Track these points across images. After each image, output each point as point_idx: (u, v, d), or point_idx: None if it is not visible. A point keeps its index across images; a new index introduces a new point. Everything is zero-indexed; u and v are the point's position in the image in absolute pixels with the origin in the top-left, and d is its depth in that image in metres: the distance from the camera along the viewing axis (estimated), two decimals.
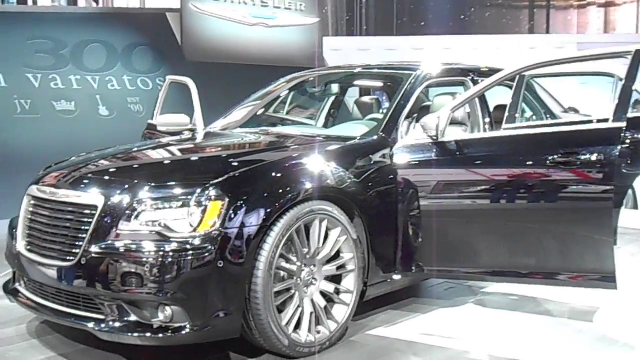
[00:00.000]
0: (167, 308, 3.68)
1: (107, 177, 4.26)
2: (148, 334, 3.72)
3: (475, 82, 5.41)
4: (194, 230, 3.72)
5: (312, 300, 4.14)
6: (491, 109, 5.51)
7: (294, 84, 6.38)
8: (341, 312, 4.28)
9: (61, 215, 4.08)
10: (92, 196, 3.97)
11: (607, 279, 4.21)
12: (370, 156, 4.63)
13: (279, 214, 3.91)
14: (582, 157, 4.19)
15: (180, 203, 3.79)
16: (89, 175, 4.30)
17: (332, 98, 6.70)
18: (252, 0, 11.55)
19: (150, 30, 10.71)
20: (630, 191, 6.73)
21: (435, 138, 4.58)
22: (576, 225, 4.36)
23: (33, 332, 4.51)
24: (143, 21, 10.87)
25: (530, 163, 4.42)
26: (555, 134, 4.55)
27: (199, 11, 10.97)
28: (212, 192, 3.80)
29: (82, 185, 4.14)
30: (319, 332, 4.14)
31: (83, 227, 3.89)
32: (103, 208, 3.86)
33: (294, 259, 4.05)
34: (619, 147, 4.10)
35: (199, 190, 3.80)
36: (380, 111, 6.07)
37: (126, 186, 3.95)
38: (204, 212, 3.75)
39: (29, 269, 4.19)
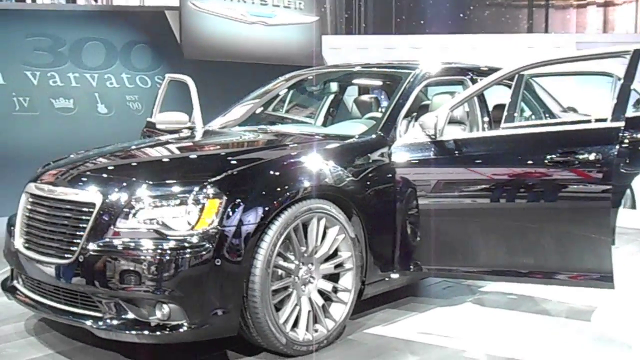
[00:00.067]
0: (165, 306, 3.68)
1: (105, 175, 4.26)
2: (145, 332, 3.72)
3: (474, 81, 5.42)
4: (192, 228, 3.72)
5: (310, 299, 4.14)
6: (490, 108, 5.51)
7: (292, 83, 6.37)
8: (339, 311, 4.28)
9: (59, 212, 4.08)
10: (90, 194, 3.97)
11: (605, 279, 4.21)
12: (369, 155, 4.63)
13: (277, 212, 3.91)
14: (581, 157, 4.19)
15: (178, 201, 3.79)
16: (87, 172, 4.30)
17: (331, 96, 6.72)
18: None
19: (149, 28, 10.70)
20: (628, 191, 6.75)
21: (433, 137, 4.58)
22: (574, 225, 4.36)
23: (31, 330, 4.51)
24: (142, 19, 10.86)
25: (528, 162, 4.42)
26: (554, 133, 4.55)
27: (197, 9, 10.96)
28: (210, 190, 3.80)
29: (80, 183, 4.14)
30: (316, 331, 4.14)
31: (81, 225, 3.89)
32: (101, 206, 3.86)
33: (292, 257, 4.05)
34: (617, 147, 4.10)
35: (196, 188, 3.80)
36: (379, 110, 6.07)
37: (124, 184, 3.95)
38: (201, 210, 3.75)
39: (27, 267, 4.19)
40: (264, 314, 3.83)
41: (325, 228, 4.20)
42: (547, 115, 6.19)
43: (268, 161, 4.30)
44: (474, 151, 4.62)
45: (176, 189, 3.87)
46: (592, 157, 4.15)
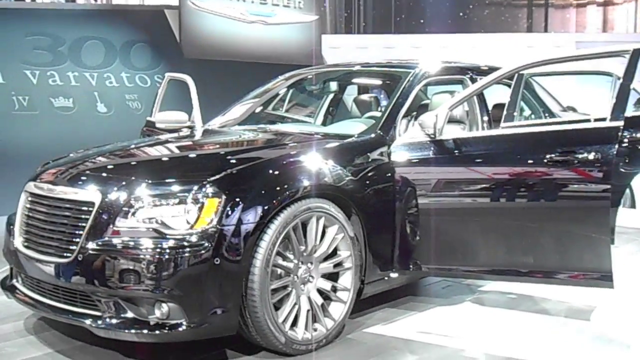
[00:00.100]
0: (164, 305, 3.68)
1: (104, 174, 4.26)
2: (145, 331, 3.72)
3: (473, 80, 5.42)
4: (191, 227, 3.72)
5: (309, 298, 4.14)
6: (490, 108, 5.51)
7: (292, 82, 6.37)
8: (338, 310, 4.28)
9: (58, 211, 4.08)
10: (90, 193, 3.97)
11: (605, 278, 4.21)
12: (368, 154, 4.63)
13: (276, 212, 3.91)
14: (580, 156, 4.19)
15: (177, 200, 3.79)
16: (87, 172, 4.30)
17: (331, 96, 6.72)
18: None
19: (148, 27, 10.69)
20: (627, 190, 6.74)
21: (432, 136, 4.58)
22: (573, 224, 4.36)
23: (30, 329, 4.51)
24: (141, 18, 10.86)
25: (527, 162, 4.42)
26: (553, 133, 4.56)
27: (197, 8, 10.96)
28: (209, 189, 3.80)
29: (80, 182, 4.14)
30: (315, 330, 4.14)
31: (80, 224, 3.89)
32: (100, 205, 3.86)
33: (291, 256, 4.05)
34: (616, 146, 4.10)
35: (195, 187, 3.80)
36: (379, 109, 6.07)
37: (123, 183, 3.95)
38: (200, 209, 3.75)
39: (26, 266, 4.19)
40: (263, 313, 3.83)
41: (325, 227, 4.20)
42: (546, 114, 6.20)
43: (267, 160, 4.30)
44: (473, 150, 4.62)
45: (175, 188, 3.87)
46: (591, 156, 4.16)
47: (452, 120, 4.85)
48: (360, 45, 13.38)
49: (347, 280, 4.32)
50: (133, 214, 3.80)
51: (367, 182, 4.50)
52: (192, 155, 4.91)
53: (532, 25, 19.74)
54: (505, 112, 4.87)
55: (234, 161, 4.30)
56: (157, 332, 3.71)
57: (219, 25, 11.27)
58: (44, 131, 9.50)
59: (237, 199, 3.80)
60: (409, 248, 4.65)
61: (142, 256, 3.66)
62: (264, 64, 10.94)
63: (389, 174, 4.63)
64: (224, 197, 3.78)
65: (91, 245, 3.79)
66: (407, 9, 18.80)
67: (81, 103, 9.97)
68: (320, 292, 4.21)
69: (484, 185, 4.55)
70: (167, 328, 3.70)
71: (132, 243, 3.72)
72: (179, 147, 5.08)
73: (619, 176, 4.20)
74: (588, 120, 4.76)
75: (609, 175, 4.13)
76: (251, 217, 3.79)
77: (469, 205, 4.61)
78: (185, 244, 3.67)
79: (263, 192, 3.93)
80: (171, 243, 3.68)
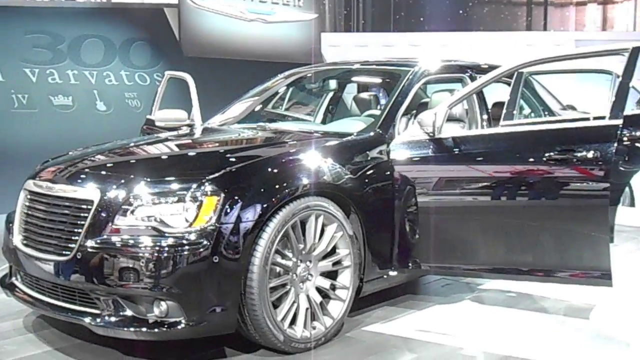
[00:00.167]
0: (163, 303, 3.69)
1: (103, 172, 4.26)
2: (143, 329, 3.72)
3: (473, 79, 5.42)
4: (190, 226, 3.72)
5: (308, 296, 4.14)
6: (489, 106, 5.51)
7: (292, 80, 6.37)
8: (337, 308, 4.28)
9: (57, 209, 4.08)
10: (89, 191, 3.97)
11: (603, 276, 4.21)
12: (367, 152, 4.63)
13: (275, 210, 3.91)
14: (579, 154, 4.19)
15: (176, 198, 3.79)
16: (86, 170, 4.30)
17: (330, 94, 6.72)
18: None
19: (148, 26, 10.70)
20: (627, 188, 6.74)
21: (431, 134, 4.58)
22: (572, 223, 4.36)
23: (29, 326, 4.51)
24: (141, 16, 10.86)
25: (526, 160, 4.42)
26: (552, 131, 4.56)
27: (196, 6, 10.97)
28: (208, 188, 3.80)
29: (79, 180, 4.14)
30: (314, 328, 4.14)
31: (79, 222, 3.90)
32: (99, 203, 3.86)
33: (290, 254, 4.05)
34: (616, 145, 4.10)
35: (194, 186, 3.80)
36: (378, 107, 6.07)
37: (122, 181, 3.95)
38: (199, 207, 3.75)
39: (25, 264, 4.19)
40: (262, 311, 3.83)
41: (323, 225, 4.20)
42: (546, 113, 6.20)
43: (266, 158, 4.30)
44: (472, 149, 4.62)
45: (174, 186, 3.87)
46: (590, 154, 4.15)
47: (451, 119, 4.85)
48: (359, 44, 13.38)
49: (346, 278, 4.32)
50: (132, 212, 3.80)
51: (366, 180, 4.50)
52: (191, 153, 4.92)
53: (531, 24, 19.74)
54: (504, 111, 4.86)
55: (233, 159, 4.30)
56: (156, 330, 3.71)
57: (218, 24, 11.28)
58: (43, 129, 9.50)
59: (236, 197, 3.80)
60: (408, 246, 4.65)
61: (140, 254, 3.67)
62: (264, 62, 10.95)
63: (388, 172, 4.63)
64: (222, 195, 3.78)
65: (90, 243, 3.79)
66: (406, 6, 18.79)
67: (80, 101, 9.97)
68: (319, 290, 4.21)
69: (483, 184, 4.56)
70: (165, 326, 3.70)
71: (131, 241, 3.72)
72: (178, 145, 5.09)
73: (618, 174, 4.20)
74: (587, 119, 4.76)
75: (608, 174, 4.13)
76: (250, 215, 3.79)
77: (468, 204, 4.62)
78: (184, 242, 3.67)
79: (262, 190, 3.93)
80: (170, 241, 3.68)
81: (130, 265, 3.68)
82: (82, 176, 4.19)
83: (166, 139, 5.21)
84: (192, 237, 3.68)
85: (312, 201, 4.11)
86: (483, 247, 4.63)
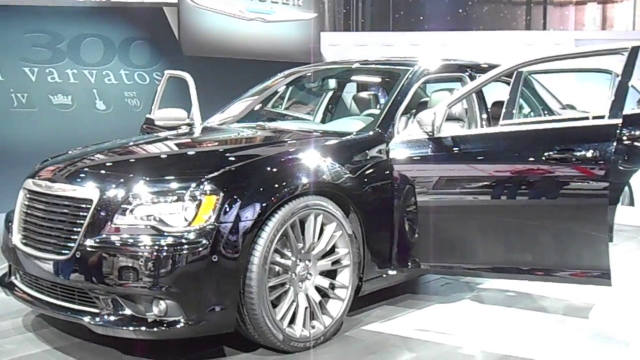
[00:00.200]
0: (162, 302, 3.69)
1: (102, 171, 4.26)
2: (142, 328, 3.72)
3: (472, 78, 5.42)
4: (189, 225, 3.72)
5: (307, 295, 4.14)
6: (489, 105, 5.51)
7: (291, 79, 6.37)
8: (336, 307, 4.28)
9: (57, 208, 4.08)
10: (88, 190, 3.97)
11: (603, 276, 4.21)
12: (367, 151, 4.63)
13: (274, 209, 3.91)
14: (578, 154, 4.19)
15: (175, 197, 3.79)
16: (85, 169, 4.30)
17: (330, 93, 6.71)
18: None
19: (147, 25, 10.69)
20: (626, 188, 6.75)
21: (431, 134, 4.58)
22: (572, 222, 4.36)
23: (29, 325, 4.51)
24: (140, 15, 10.84)
25: (525, 159, 4.42)
26: (551, 130, 4.56)
27: (196, 5, 10.96)
28: (207, 187, 3.80)
29: (78, 179, 4.14)
30: (313, 327, 4.14)
31: (78, 221, 3.90)
32: (98, 202, 3.86)
33: (289, 253, 4.05)
34: (615, 144, 4.10)
35: (193, 185, 3.80)
36: (378, 107, 6.07)
37: (121, 180, 3.95)
38: (198, 206, 3.75)
39: (24, 263, 4.19)
40: (261, 311, 3.83)
41: (323, 225, 4.20)
42: (546, 112, 6.19)
43: (265, 158, 4.30)
44: (471, 148, 4.62)
45: (173, 185, 3.87)
46: (589, 154, 4.15)
47: (450, 118, 4.84)
48: (359, 43, 13.36)
49: (345, 277, 4.32)
50: (131, 211, 3.80)
51: (366, 179, 4.50)
52: (191, 152, 4.92)
53: (530, 23, 19.73)
54: (504, 110, 4.86)
55: (232, 158, 4.30)
56: (155, 329, 3.71)
57: (217, 23, 11.28)
58: (43, 128, 9.49)
59: (235, 197, 3.80)
60: (407, 245, 4.65)
61: (139, 253, 3.67)
62: (263, 61, 10.94)
63: (388, 172, 4.63)
64: (221, 194, 3.78)
65: (89, 242, 3.79)
66: (405, 5, 18.78)
67: (80, 100, 9.96)
68: (318, 289, 4.21)
69: (482, 183, 4.56)
70: (164, 325, 3.71)
71: (130, 240, 3.73)
72: (177, 145, 5.09)
73: (618, 174, 4.20)
74: (586, 118, 4.76)
75: (607, 173, 4.13)
76: (249, 215, 3.79)
77: (468, 203, 4.62)
78: (183, 241, 3.67)
79: (261, 189, 3.93)
80: (169, 240, 3.68)
81: (130, 265, 3.68)
82: (82, 175, 4.19)
83: (165, 138, 5.21)
84: (191, 236, 3.68)
85: (312, 200, 4.11)
86: (482, 247, 4.63)
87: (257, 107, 6.15)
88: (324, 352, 4.10)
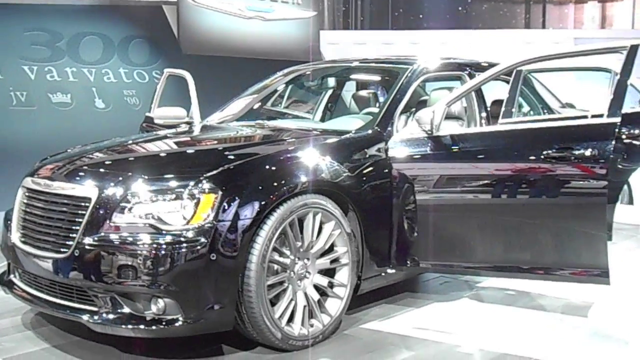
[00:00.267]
0: (160, 300, 3.69)
1: (101, 170, 4.26)
2: (141, 326, 3.72)
3: (472, 77, 5.41)
4: (187, 223, 3.72)
5: (306, 294, 4.14)
6: (489, 104, 5.51)
7: (290, 78, 6.37)
8: (335, 306, 4.28)
9: (55, 207, 4.08)
10: (86, 188, 3.97)
11: (601, 274, 4.22)
12: (365, 150, 4.63)
13: (273, 207, 3.90)
14: (577, 152, 4.19)
15: (173, 196, 3.79)
16: (84, 167, 4.30)
17: (329, 92, 6.70)
18: None
19: (146, 23, 10.70)
20: (625, 186, 6.75)
21: (430, 132, 4.58)
22: (570, 220, 4.36)
23: (27, 324, 4.51)
24: (140, 14, 10.85)
25: (524, 158, 4.42)
26: (550, 129, 4.56)
27: (195, 4, 10.96)
28: (205, 185, 3.80)
29: (77, 178, 4.14)
30: (312, 325, 4.14)
31: (77, 219, 3.90)
32: (97, 200, 3.86)
33: (288, 252, 4.05)
34: (614, 142, 4.10)
35: (192, 183, 3.80)
36: (377, 105, 6.06)
37: (120, 178, 3.95)
38: (197, 204, 3.75)
39: (23, 261, 4.19)
40: (260, 309, 3.83)
41: (321, 223, 4.20)
42: (545, 110, 6.19)
43: (264, 156, 4.29)
44: (470, 147, 4.61)
45: (172, 183, 3.87)
46: (588, 152, 4.16)
47: (450, 117, 4.85)
48: (358, 41, 13.36)
49: (343, 276, 4.32)
50: (130, 209, 3.80)
51: (364, 178, 4.50)
52: (190, 151, 4.92)
53: (530, 21, 19.73)
54: (503, 109, 4.86)
55: (231, 157, 4.30)
56: (154, 327, 3.72)
57: (217, 21, 11.28)
58: (42, 127, 9.48)
59: (234, 195, 3.80)
60: (406, 244, 4.65)
61: (138, 252, 3.67)
62: (262, 59, 10.95)
63: (387, 170, 4.62)
64: (220, 192, 3.78)
65: (88, 240, 3.79)
66: (405, 3, 18.76)
67: (79, 99, 9.95)
68: (316, 288, 4.21)
69: (481, 182, 4.55)
70: (163, 323, 3.71)
71: (128, 238, 3.73)
72: (176, 143, 5.09)
73: (617, 173, 4.21)
74: (585, 117, 4.77)
75: (606, 172, 4.13)
76: (248, 213, 3.79)
77: (467, 201, 4.61)
78: (182, 239, 3.67)
79: (260, 187, 3.93)
80: (167, 239, 3.68)
81: (128, 263, 3.68)
82: (80, 174, 4.19)
83: (165, 137, 5.21)
84: (190, 234, 3.68)
85: (310, 199, 4.11)
86: (482, 245, 4.63)
87: (256, 106, 6.15)
88: (322, 351, 4.10)
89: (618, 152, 4.14)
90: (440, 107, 4.56)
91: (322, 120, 6.46)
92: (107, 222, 3.80)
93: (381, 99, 6.24)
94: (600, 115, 4.27)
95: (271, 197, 3.90)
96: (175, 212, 3.75)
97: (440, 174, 4.65)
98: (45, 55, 9.78)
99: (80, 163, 4.38)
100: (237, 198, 3.79)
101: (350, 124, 5.20)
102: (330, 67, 6.76)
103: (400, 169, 4.63)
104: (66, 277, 3.88)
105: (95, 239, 3.78)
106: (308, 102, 7.08)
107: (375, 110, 5.64)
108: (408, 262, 4.66)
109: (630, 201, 7.25)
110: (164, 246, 3.65)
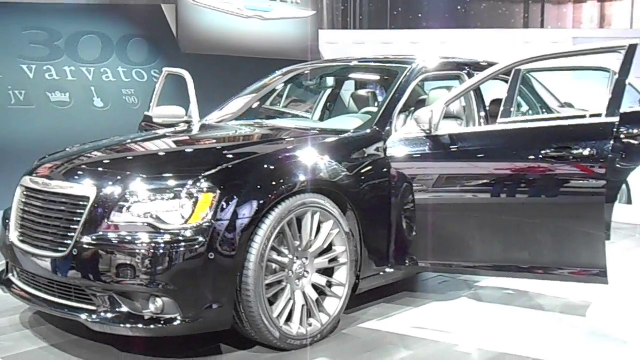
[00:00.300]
0: (158, 299, 3.69)
1: (100, 169, 4.26)
2: (139, 325, 3.72)
3: (470, 76, 5.40)
4: (186, 222, 3.72)
5: (304, 293, 4.14)
6: (487, 103, 5.51)
7: (289, 77, 6.36)
8: (333, 305, 4.27)
9: (54, 206, 4.08)
10: (85, 187, 3.97)
11: (599, 274, 4.22)
12: (364, 149, 4.62)
13: (271, 207, 3.90)
14: (575, 152, 4.19)
15: (172, 195, 3.79)
16: (82, 166, 4.29)
17: (328, 91, 6.71)
18: None
19: (145, 22, 10.68)
20: (624, 186, 6.75)
21: (428, 132, 4.58)
22: (569, 220, 4.37)
23: (26, 323, 4.51)
24: (138, 13, 10.83)
25: (523, 157, 4.42)
26: (548, 129, 4.57)
27: (194, 3, 10.95)
28: (204, 184, 3.79)
29: (75, 177, 4.14)
30: (310, 325, 4.14)
31: (75, 218, 3.89)
32: (95, 199, 3.86)
33: (286, 251, 4.04)
34: (612, 142, 4.10)
35: (190, 182, 3.80)
36: (376, 104, 6.06)
37: (118, 178, 3.95)
38: (195, 204, 3.74)
39: (21, 260, 4.19)
40: (258, 308, 3.83)
41: (320, 222, 4.19)
42: (544, 110, 6.19)
43: (263, 155, 4.29)
44: (469, 146, 4.61)
45: (170, 182, 3.87)
46: (586, 152, 4.16)
47: (449, 116, 4.85)
48: (357, 41, 13.37)
49: (342, 275, 4.32)
50: (128, 208, 3.80)
51: (363, 177, 4.50)
52: (188, 150, 4.91)
53: (529, 21, 19.76)
54: (502, 108, 4.86)
55: (229, 156, 4.30)
56: (152, 326, 3.71)
57: (216, 20, 11.27)
58: (41, 126, 9.46)
59: (232, 194, 3.80)
60: (405, 243, 4.65)
61: (136, 251, 3.67)
62: (261, 59, 10.93)
63: (385, 170, 4.62)
64: (218, 192, 3.78)
65: (86, 239, 3.79)
66: (403, 3, 18.78)
67: (78, 98, 9.93)
68: (315, 287, 4.21)
69: (480, 181, 4.56)
70: (161, 322, 3.71)
71: (127, 238, 3.72)
72: (175, 142, 5.08)
73: (615, 172, 4.21)
74: (584, 116, 4.77)
75: (604, 171, 4.13)
76: (246, 212, 3.78)
77: (466, 201, 4.62)
78: (180, 238, 3.66)
79: (258, 187, 3.92)
80: (166, 238, 3.68)
81: (127, 262, 3.68)
82: (79, 173, 4.19)
83: (163, 136, 5.21)
84: (188, 233, 3.68)
85: (309, 198, 4.10)
86: (480, 244, 4.63)
87: (255, 105, 6.15)
88: (320, 350, 4.09)
89: (617, 151, 4.14)
90: (439, 107, 4.56)
91: (321, 119, 6.46)
92: (106, 221, 3.80)
93: (380, 99, 6.24)
94: (599, 115, 4.27)
95: (270, 196, 3.90)
96: (174, 211, 3.75)
97: (439, 174, 4.65)
98: (44, 54, 9.75)
99: (78, 162, 4.37)
100: (235, 197, 3.79)
101: (349, 123, 5.20)
102: (329, 66, 6.75)
103: (399, 168, 4.63)
104: (64, 276, 3.88)
105: (94, 238, 3.78)
106: (307, 102, 7.08)
107: (374, 109, 5.63)
108: (407, 261, 4.66)
109: (629, 201, 7.25)
110: (162, 245, 3.65)
